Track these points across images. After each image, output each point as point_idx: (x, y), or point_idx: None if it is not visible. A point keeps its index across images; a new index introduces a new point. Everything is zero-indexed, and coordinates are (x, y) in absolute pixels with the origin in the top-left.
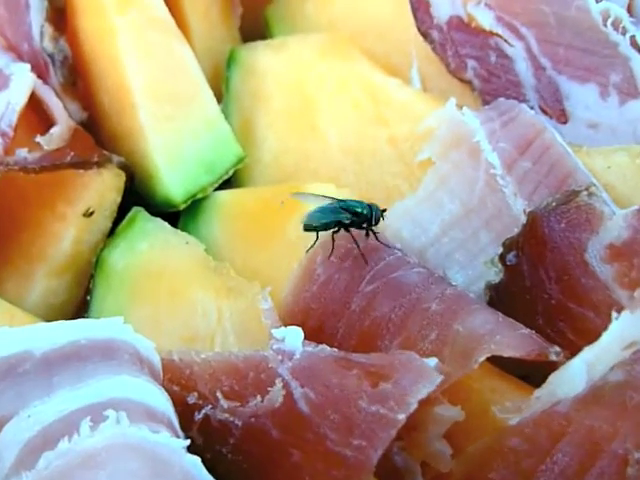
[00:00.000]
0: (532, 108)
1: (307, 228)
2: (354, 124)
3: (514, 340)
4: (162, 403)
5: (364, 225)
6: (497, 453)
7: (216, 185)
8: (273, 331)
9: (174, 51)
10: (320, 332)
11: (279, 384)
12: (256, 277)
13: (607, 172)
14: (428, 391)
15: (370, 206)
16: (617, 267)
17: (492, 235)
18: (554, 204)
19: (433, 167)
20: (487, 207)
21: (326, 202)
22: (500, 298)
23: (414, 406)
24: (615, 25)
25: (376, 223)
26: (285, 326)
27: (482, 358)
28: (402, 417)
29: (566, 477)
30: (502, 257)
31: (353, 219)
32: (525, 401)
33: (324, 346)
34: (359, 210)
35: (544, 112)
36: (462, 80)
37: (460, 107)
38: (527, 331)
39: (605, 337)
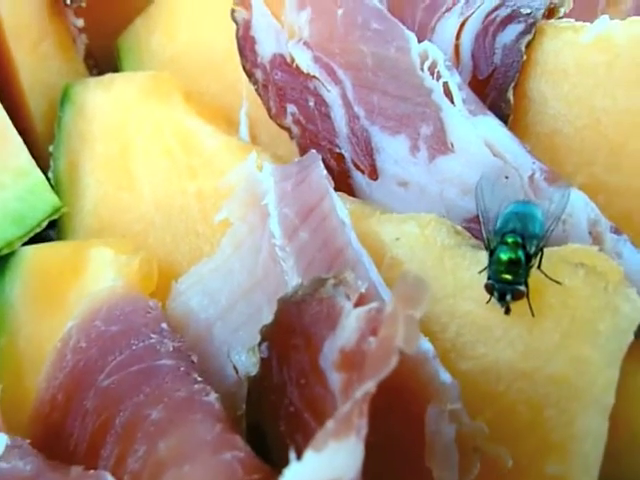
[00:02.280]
0: (345, 161)
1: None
2: (166, 174)
3: (201, 471)
4: None
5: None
6: None
7: (26, 239)
8: None
9: None
10: (62, 430)
11: None
12: (40, 351)
13: (396, 245)
14: None
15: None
16: (344, 377)
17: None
18: (300, 293)
19: (231, 229)
20: (270, 281)
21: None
22: (257, 393)
23: None
24: (431, 69)
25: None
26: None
27: None
28: None
29: None
30: (259, 346)
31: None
32: None
33: (17, 462)
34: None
35: (356, 166)
36: (282, 126)
37: (279, 159)
38: (231, 456)
39: None
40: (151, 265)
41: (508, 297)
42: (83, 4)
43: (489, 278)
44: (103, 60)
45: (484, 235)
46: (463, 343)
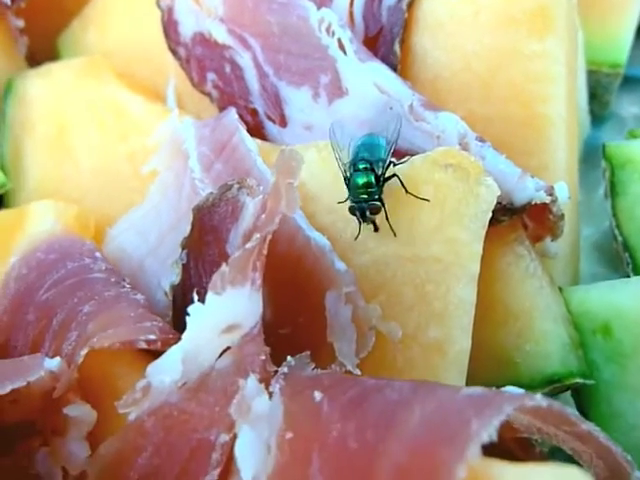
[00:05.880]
0: (259, 115)
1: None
2: (100, 143)
3: (123, 332)
4: None
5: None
6: (128, 452)
7: None
8: None
9: None
10: (7, 346)
11: None
12: None
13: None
14: None
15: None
16: None
17: None
18: (210, 199)
19: (158, 177)
20: None
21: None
22: (180, 297)
23: None
24: (327, 30)
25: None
26: None
27: (84, 352)
28: None
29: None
30: (180, 255)
31: None
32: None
33: None
34: None
35: (268, 118)
36: (203, 93)
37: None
38: (151, 323)
39: (192, 324)
40: (88, 216)
41: (368, 213)
42: (22, 4)
43: (351, 201)
44: (46, 60)
45: (340, 167)
46: (357, 241)
